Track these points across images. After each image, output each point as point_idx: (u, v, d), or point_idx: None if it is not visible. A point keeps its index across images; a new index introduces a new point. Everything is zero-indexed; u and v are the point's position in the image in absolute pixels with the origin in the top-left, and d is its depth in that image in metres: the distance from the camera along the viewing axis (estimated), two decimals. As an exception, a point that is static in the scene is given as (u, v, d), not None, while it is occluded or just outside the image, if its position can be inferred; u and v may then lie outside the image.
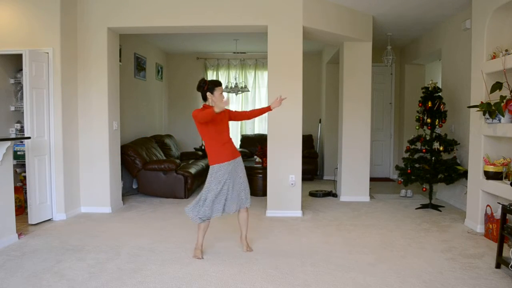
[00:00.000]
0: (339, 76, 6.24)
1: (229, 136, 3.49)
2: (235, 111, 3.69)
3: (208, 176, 3.41)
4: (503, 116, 3.75)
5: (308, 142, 8.30)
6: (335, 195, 6.21)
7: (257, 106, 8.81)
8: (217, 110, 3.06)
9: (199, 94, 3.51)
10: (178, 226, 4.48)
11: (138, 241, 3.88)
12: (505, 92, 3.78)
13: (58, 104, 4.67)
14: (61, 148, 4.69)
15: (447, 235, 4.13)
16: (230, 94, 8.52)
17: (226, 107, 3.29)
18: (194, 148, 8.53)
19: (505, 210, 3.23)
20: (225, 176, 3.36)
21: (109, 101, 5.07)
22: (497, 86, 3.77)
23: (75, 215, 4.90)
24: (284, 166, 5.01)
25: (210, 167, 3.41)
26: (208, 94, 3.39)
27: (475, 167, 4.31)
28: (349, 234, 4.16)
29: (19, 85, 4.96)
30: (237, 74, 8.70)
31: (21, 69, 4.63)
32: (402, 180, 5.48)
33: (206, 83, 3.39)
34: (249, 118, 3.80)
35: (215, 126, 3.35)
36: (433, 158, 5.21)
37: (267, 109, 3.65)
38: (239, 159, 3.51)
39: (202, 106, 3.45)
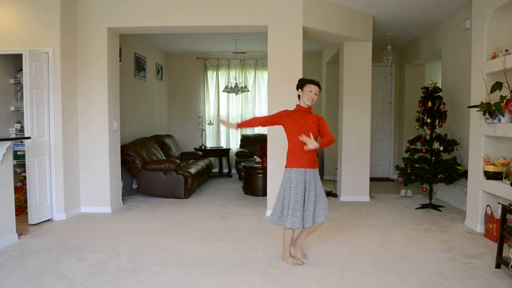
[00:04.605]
0: (339, 76, 6.24)
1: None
2: (326, 131, 3.28)
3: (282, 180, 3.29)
4: (503, 116, 3.75)
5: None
6: (335, 195, 6.21)
7: (258, 106, 8.81)
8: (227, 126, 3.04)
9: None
10: (178, 226, 4.48)
11: (138, 241, 3.88)
12: (505, 92, 3.78)
13: (58, 104, 4.67)
14: (61, 148, 4.69)
15: (447, 235, 4.13)
16: (230, 94, 8.53)
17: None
18: (194, 148, 8.53)
19: (505, 210, 3.23)
20: (298, 183, 3.19)
21: (109, 101, 5.07)
22: (497, 86, 3.77)
23: (75, 215, 4.90)
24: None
25: (285, 169, 3.28)
26: (299, 90, 3.34)
27: (475, 167, 4.31)
28: (349, 234, 4.16)
29: (19, 85, 4.96)
30: (237, 74, 8.69)
31: (21, 69, 4.63)
32: (402, 180, 5.47)
33: (300, 81, 3.36)
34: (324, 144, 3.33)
35: (295, 130, 3.22)
36: (433, 158, 5.21)
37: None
38: (315, 170, 3.30)
39: (295, 106, 3.38)
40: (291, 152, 3.28)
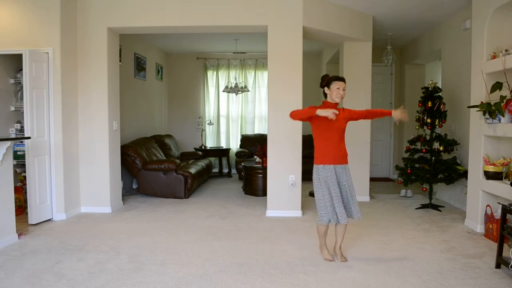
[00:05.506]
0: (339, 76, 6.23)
1: (340, 140, 3.31)
2: (356, 111, 3.39)
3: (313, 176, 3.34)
4: (503, 116, 3.75)
5: (308, 142, 8.27)
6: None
7: (257, 106, 8.82)
8: (319, 113, 3.03)
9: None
10: (178, 226, 4.48)
11: (138, 241, 3.88)
12: (505, 92, 3.78)
13: (58, 104, 4.67)
14: (61, 148, 4.69)
15: (447, 235, 4.13)
16: (230, 94, 8.53)
17: (341, 106, 3.32)
18: (194, 148, 8.53)
19: (505, 210, 3.23)
20: (327, 179, 3.23)
21: (109, 101, 5.07)
22: (497, 86, 3.77)
23: (75, 215, 4.90)
24: (284, 166, 5.01)
25: (314, 166, 3.32)
26: (325, 88, 3.31)
27: (475, 167, 4.31)
28: (349, 234, 4.15)
29: (19, 85, 4.96)
30: (237, 74, 8.69)
31: (21, 69, 4.63)
32: (402, 180, 5.47)
33: (325, 78, 3.33)
34: (367, 118, 3.46)
35: (323, 125, 3.22)
36: (433, 158, 5.21)
37: (388, 113, 3.38)
38: (345, 166, 3.32)
39: (322, 103, 3.38)
40: (319, 149, 3.30)
